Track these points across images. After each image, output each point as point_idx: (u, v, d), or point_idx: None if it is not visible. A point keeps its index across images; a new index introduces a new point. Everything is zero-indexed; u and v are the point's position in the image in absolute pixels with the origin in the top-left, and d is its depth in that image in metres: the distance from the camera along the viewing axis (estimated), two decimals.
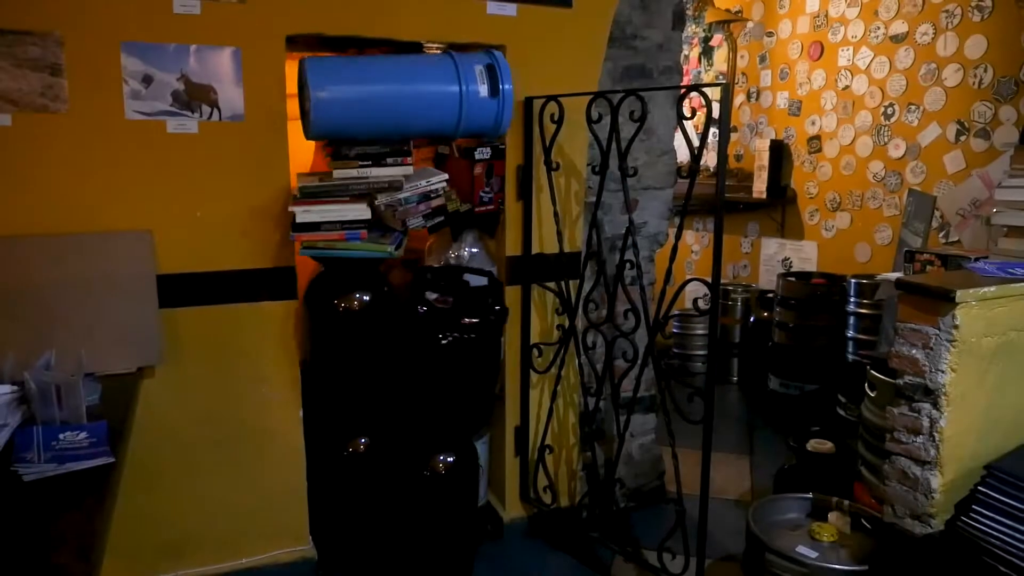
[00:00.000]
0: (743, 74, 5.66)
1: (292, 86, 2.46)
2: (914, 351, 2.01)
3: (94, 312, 2.20)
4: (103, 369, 2.15)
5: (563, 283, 2.84)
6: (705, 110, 2.34)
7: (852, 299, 4.23)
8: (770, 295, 4.90)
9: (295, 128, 2.51)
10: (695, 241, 6.15)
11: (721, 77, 5.77)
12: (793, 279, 4.64)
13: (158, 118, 2.27)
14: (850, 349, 4.23)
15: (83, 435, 1.70)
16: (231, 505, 2.56)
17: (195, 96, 2.29)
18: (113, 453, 1.63)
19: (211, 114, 2.32)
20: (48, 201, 2.19)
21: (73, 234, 2.21)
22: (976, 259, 2.62)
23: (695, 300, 2.42)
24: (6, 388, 1.85)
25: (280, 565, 2.64)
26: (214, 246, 2.40)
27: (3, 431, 1.70)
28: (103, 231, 2.25)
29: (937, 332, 1.95)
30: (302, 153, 3.01)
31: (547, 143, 2.69)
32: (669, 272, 2.43)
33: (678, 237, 2.45)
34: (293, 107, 2.49)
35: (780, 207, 5.40)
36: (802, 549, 2.26)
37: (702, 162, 2.45)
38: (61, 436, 1.69)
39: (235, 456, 2.54)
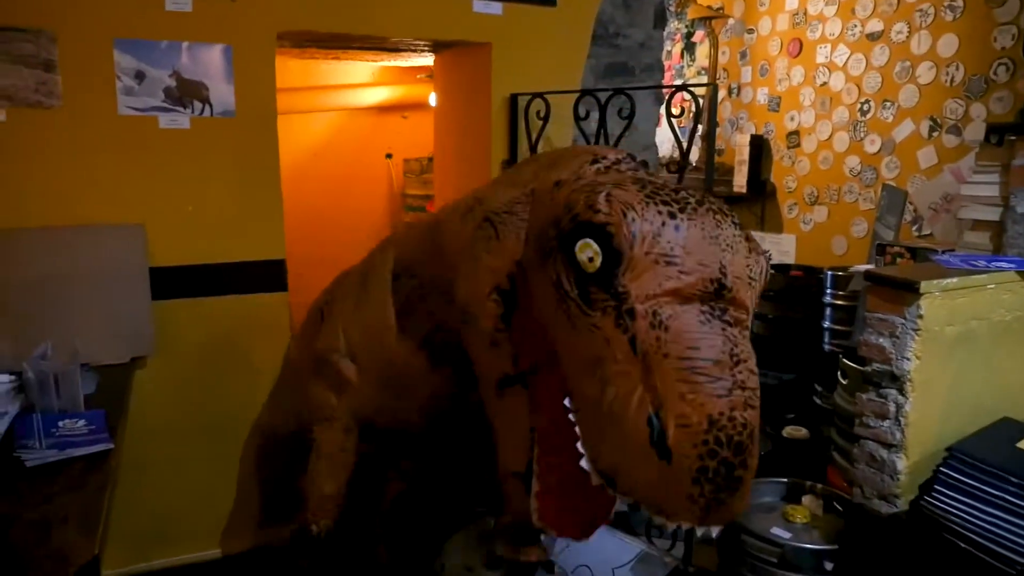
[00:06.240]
0: (724, 70, 5.74)
1: (282, 81, 2.51)
2: (881, 339, 2.10)
3: (88, 304, 2.24)
4: (97, 360, 2.20)
5: None
6: (689, 107, 2.42)
7: (828, 291, 4.31)
8: None
9: (284, 123, 2.56)
10: None
11: (703, 73, 5.85)
12: (772, 271, 4.72)
13: (150, 114, 2.32)
14: (826, 339, 4.33)
15: (82, 422, 1.76)
16: (221, 494, 2.61)
17: (187, 92, 2.34)
18: (112, 440, 1.69)
19: (203, 110, 2.37)
20: (42, 195, 2.24)
21: (67, 227, 2.25)
22: (943, 252, 2.72)
23: None
24: (4, 377, 1.90)
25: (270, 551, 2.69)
26: (205, 239, 2.46)
27: (3, 419, 1.74)
28: (96, 224, 2.29)
29: (903, 321, 2.04)
30: (290, 148, 3.06)
31: (533, 139, 2.76)
32: None
33: None
34: (283, 102, 2.55)
35: (760, 201, 5.49)
36: (776, 530, 2.35)
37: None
38: (60, 423, 1.74)
39: (225, 446, 2.59)
